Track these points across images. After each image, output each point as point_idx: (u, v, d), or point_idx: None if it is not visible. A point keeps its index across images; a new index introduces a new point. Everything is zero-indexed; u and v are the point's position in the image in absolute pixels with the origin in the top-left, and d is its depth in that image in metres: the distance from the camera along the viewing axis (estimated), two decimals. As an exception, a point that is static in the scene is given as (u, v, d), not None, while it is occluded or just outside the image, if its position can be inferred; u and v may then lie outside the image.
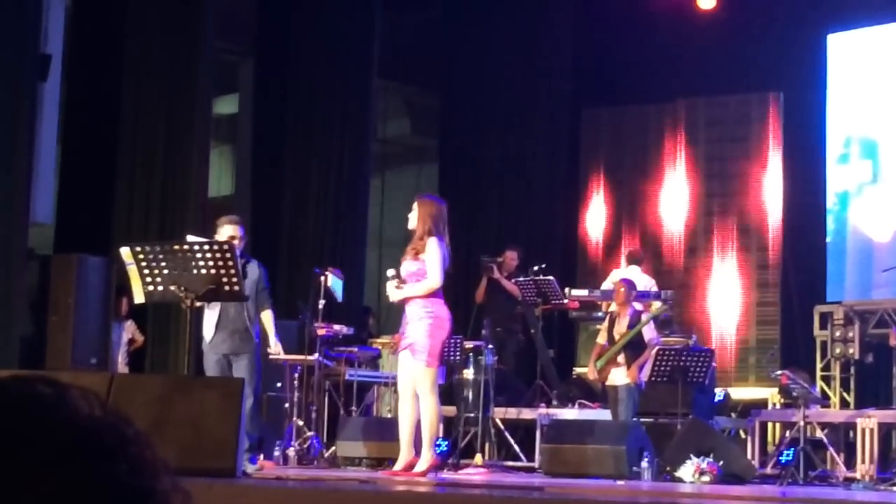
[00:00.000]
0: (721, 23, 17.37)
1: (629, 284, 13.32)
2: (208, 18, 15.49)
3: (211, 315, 10.59)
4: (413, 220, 10.17)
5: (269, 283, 11.02)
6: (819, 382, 14.86)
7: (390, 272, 10.25)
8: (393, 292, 10.14)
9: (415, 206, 10.21)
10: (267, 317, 10.89)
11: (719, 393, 14.89)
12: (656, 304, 13.68)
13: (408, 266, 10.09)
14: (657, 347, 13.08)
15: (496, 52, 18.64)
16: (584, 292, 15.52)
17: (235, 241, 10.31)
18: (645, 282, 15.23)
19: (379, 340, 14.98)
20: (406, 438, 10.15)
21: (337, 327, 13.63)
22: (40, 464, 1.25)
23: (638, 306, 14.09)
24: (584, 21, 18.57)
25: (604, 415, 13.37)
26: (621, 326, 12.84)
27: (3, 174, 13.07)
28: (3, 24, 13.07)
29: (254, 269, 10.70)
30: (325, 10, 17.25)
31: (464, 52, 19.03)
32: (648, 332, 12.81)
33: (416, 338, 9.96)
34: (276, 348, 11.14)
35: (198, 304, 9.55)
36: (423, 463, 10.03)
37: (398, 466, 10.19)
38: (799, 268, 16.94)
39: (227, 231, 10.61)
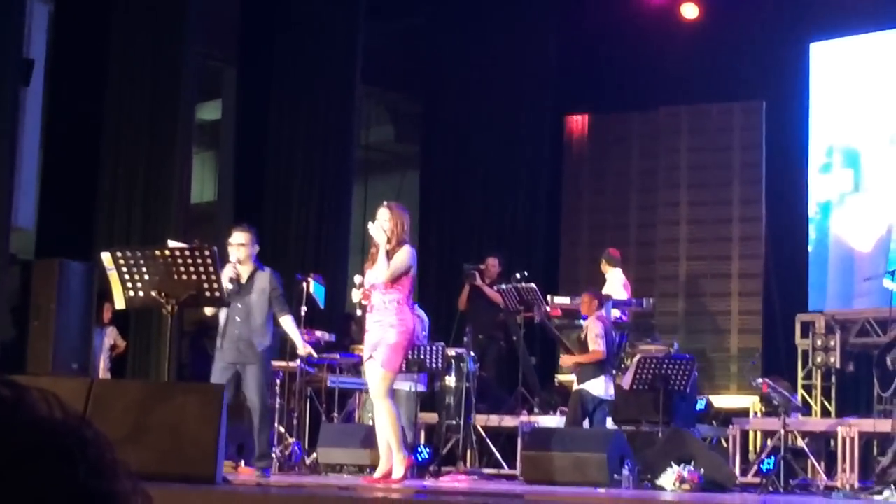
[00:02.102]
0: (704, 31, 17.43)
1: (593, 295, 13.49)
2: (191, 24, 15.47)
3: (221, 322, 10.69)
4: (384, 226, 10.03)
5: (283, 289, 11.05)
6: (800, 391, 14.91)
7: (357, 279, 10.24)
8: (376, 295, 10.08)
9: (385, 213, 10.08)
10: (287, 322, 10.94)
11: (701, 401, 14.91)
12: None
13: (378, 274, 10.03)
14: (639, 356, 13.24)
15: (479, 60, 18.65)
16: (566, 300, 15.50)
17: (243, 248, 10.66)
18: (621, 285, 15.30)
19: (361, 347, 14.96)
20: (385, 445, 10.15)
21: (319, 334, 13.64)
22: (-1, 465, 1.25)
23: (616, 313, 14.33)
24: (567, 29, 18.60)
25: (585, 422, 13.41)
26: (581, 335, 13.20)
27: (-15, 179, 13.06)
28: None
29: (262, 278, 10.77)
30: (308, 17, 17.25)
31: (447, 59, 19.05)
32: (594, 342, 13.07)
33: (382, 343, 9.93)
34: (305, 351, 11.24)
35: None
36: (398, 467, 10.01)
37: (378, 473, 10.17)
38: (781, 277, 16.97)
39: (234, 238, 10.83)
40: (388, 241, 9.93)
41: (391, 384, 10.12)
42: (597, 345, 13.06)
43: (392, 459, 10.10)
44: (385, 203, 10.29)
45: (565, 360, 13.60)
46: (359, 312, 10.88)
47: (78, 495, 1.27)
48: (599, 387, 13.01)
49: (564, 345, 13.75)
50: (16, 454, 1.26)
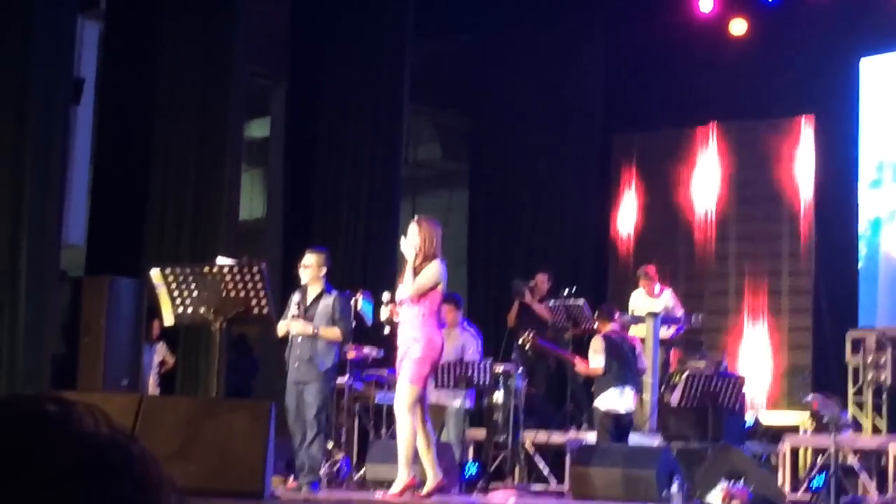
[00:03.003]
0: (753, 47, 17.36)
1: (599, 313, 13.99)
2: (241, 42, 15.53)
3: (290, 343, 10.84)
4: (413, 241, 10.06)
5: (348, 315, 11.12)
6: (851, 408, 14.79)
7: (385, 296, 10.28)
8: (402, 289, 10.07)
9: (414, 228, 10.08)
10: (334, 332, 10.95)
11: (750, 418, 14.84)
12: None
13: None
14: (687, 373, 13.28)
15: (527, 78, 18.64)
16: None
17: (308, 269, 10.89)
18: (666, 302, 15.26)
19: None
20: (428, 460, 10.14)
21: (367, 350, 13.65)
22: (45, 481, 1.26)
23: (666, 332, 14.46)
24: (616, 46, 18.57)
25: (633, 439, 13.41)
26: None
27: (37, 196, 13.12)
28: (36, 47, 13.15)
29: (326, 301, 10.90)
30: (356, 35, 17.29)
31: (495, 77, 19.05)
32: (591, 357, 13.57)
33: (407, 357, 9.95)
34: (296, 322, 11.01)
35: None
36: (398, 483, 10.03)
37: (426, 489, 10.16)
38: (831, 293, 16.86)
39: (304, 259, 11.03)
40: (416, 256, 9.96)
41: (416, 398, 10.07)
42: (593, 360, 13.41)
43: (438, 473, 10.13)
44: (415, 217, 10.31)
45: (577, 364, 13.87)
46: (386, 330, 10.90)
47: (123, 511, 1.28)
48: (608, 401, 13.20)
49: (569, 359, 14.02)
50: (62, 469, 1.27)
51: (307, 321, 10.90)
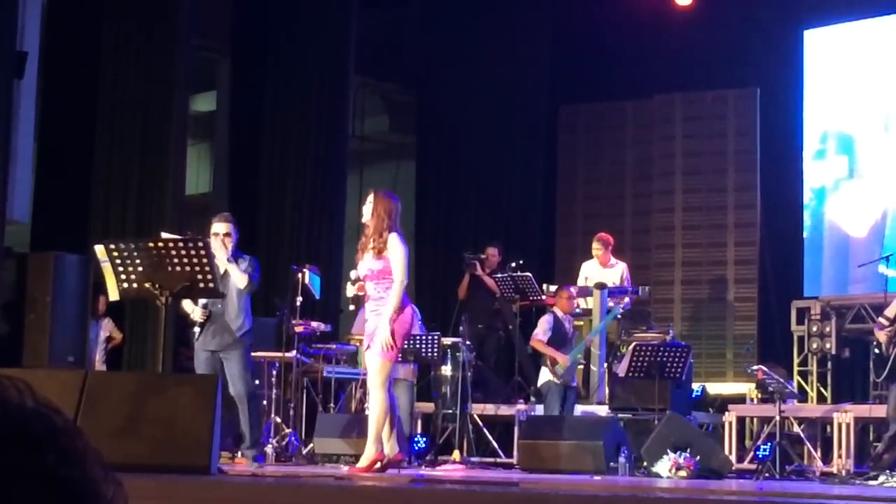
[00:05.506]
0: (698, 19, 17.40)
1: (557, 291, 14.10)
2: (185, 16, 15.45)
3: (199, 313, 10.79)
4: (368, 213, 10.04)
5: (257, 277, 11.04)
6: (796, 377, 14.93)
7: (353, 274, 10.23)
8: (372, 319, 10.06)
9: (370, 200, 10.08)
10: (241, 276, 10.90)
11: (696, 388, 14.93)
12: None
13: (370, 264, 9.94)
14: (634, 343, 13.39)
15: (474, 49, 18.63)
16: (560, 288, 15.51)
17: (225, 238, 10.80)
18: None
19: (357, 337, 14.97)
20: (386, 433, 10.14)
21: (314, 324, 13.65)
22: (-33, 454, 1.25)
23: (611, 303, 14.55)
24: (561, 18, 18.58)
25: (580, 410, 13.53)
26: None
27: (-20, 172, 13.04)
28: (-22, 21, 13.03)
29: (239, 265, 10.86)
30: (301, 7, 17.23)
31: (441, 48, 19.02)
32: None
33: (379, 331, 9.92)
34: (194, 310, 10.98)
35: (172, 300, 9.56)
36: (364, 460, 10.01)
37: (382, 462, 10.16)
38: (776, 263, 16.97)
39: (215, 228, 10.92)
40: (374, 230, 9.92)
41: (389, 372, 10.07)
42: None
43: (395, 447, 10.13)
44: (373, 191, 10.27)
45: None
46: (351, 307, 10.86)
47: (47, 483, 1.28)
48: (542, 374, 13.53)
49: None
50: (-15, 443, 1.26)
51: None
